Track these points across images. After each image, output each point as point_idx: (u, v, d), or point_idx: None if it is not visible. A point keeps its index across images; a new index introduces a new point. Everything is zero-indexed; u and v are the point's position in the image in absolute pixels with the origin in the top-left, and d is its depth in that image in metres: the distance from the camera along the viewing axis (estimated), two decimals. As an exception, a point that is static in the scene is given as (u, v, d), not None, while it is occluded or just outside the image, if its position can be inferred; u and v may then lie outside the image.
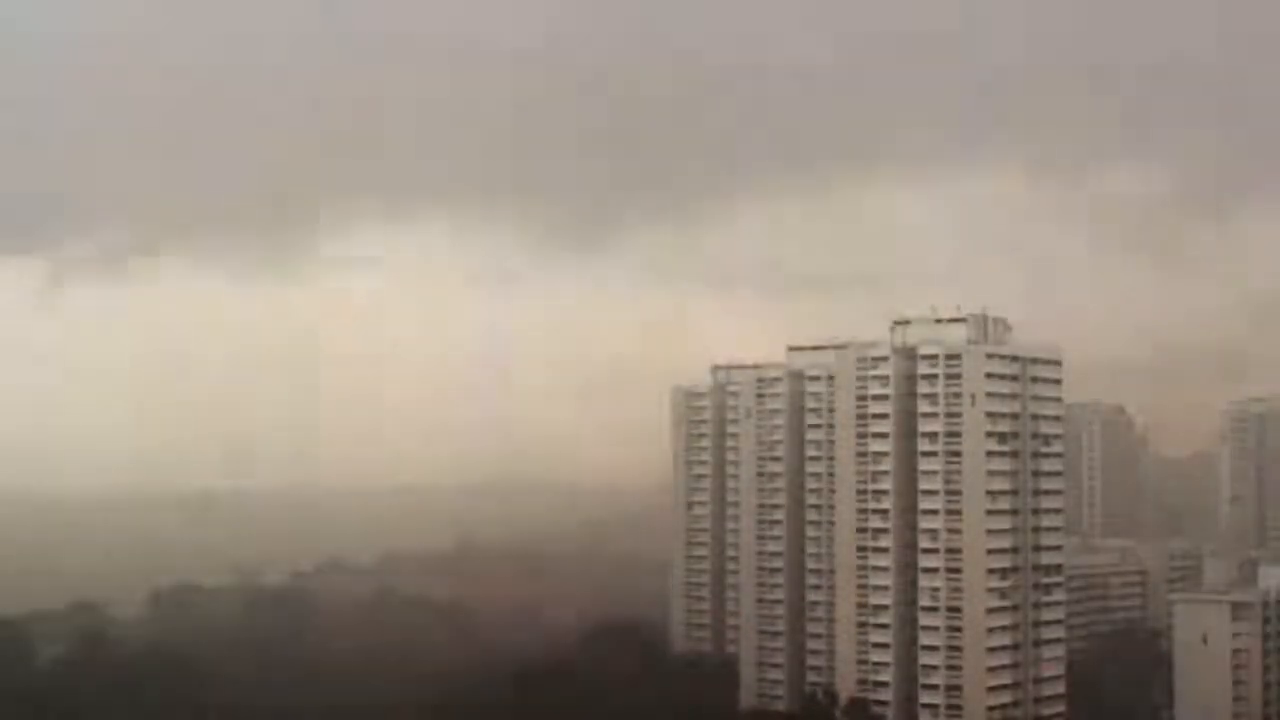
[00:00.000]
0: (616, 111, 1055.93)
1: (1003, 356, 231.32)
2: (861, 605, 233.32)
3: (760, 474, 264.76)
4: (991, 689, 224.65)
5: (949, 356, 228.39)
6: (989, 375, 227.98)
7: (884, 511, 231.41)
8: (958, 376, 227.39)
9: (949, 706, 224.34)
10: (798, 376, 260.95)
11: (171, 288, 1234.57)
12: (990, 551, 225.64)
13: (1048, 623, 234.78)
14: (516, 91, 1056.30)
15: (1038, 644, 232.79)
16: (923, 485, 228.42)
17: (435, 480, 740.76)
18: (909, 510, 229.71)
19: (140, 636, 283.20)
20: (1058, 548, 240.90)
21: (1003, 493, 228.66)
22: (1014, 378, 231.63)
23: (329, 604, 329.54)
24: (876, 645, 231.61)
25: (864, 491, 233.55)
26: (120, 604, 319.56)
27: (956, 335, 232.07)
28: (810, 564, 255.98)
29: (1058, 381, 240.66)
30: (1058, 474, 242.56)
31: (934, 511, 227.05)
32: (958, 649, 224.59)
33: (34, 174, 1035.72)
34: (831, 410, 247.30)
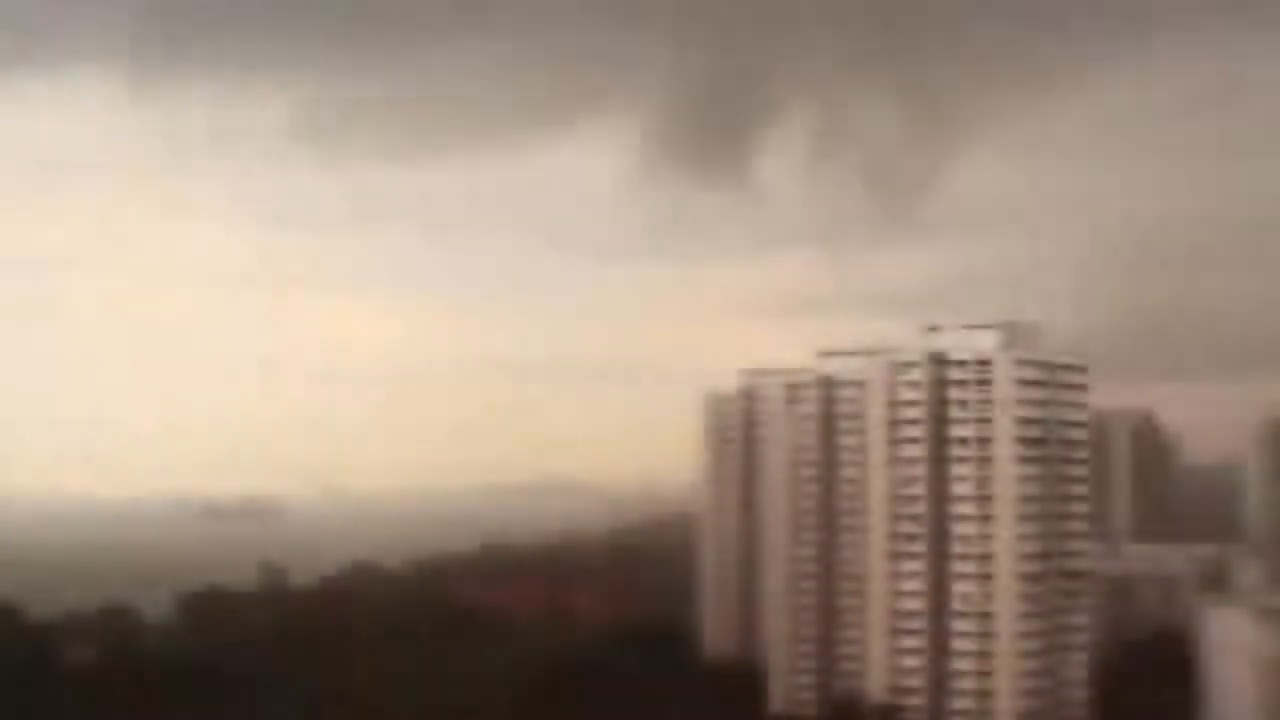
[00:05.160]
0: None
1: (1033, 363, 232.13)
2: (892, 611, 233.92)
3: (790, 479, 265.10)
4: (1021, 694, 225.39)
5: (979, 362, 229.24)
6: (1019, 381, 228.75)
7: (916, 517, 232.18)
8: (988, 382, 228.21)
9: (979, 713, 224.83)
10: (828, 382, 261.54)
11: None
12: (1020, 557, 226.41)
13: (1075, 628, 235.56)
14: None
15: (1066, 650, 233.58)
16: (954, 491, 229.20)
17: (463, 483, 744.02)
18: (940, 516, 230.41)
19: (171, 640, 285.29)
20: (1085, 553, 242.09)
21: (1032, 498, 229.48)
22: (1044, 384, 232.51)
23: (358, 608, 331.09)
24: (906, 651, 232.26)
25: (895, 497, 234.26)
26: (151, 608, 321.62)
27: (987, 341, 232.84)
28: (841, 569, 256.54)
29: (1086, 387, 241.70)
30: (1086, 480, 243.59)
31: (966, 517, 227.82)
32: (988, 655, 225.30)
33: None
34: (862, 416, 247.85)
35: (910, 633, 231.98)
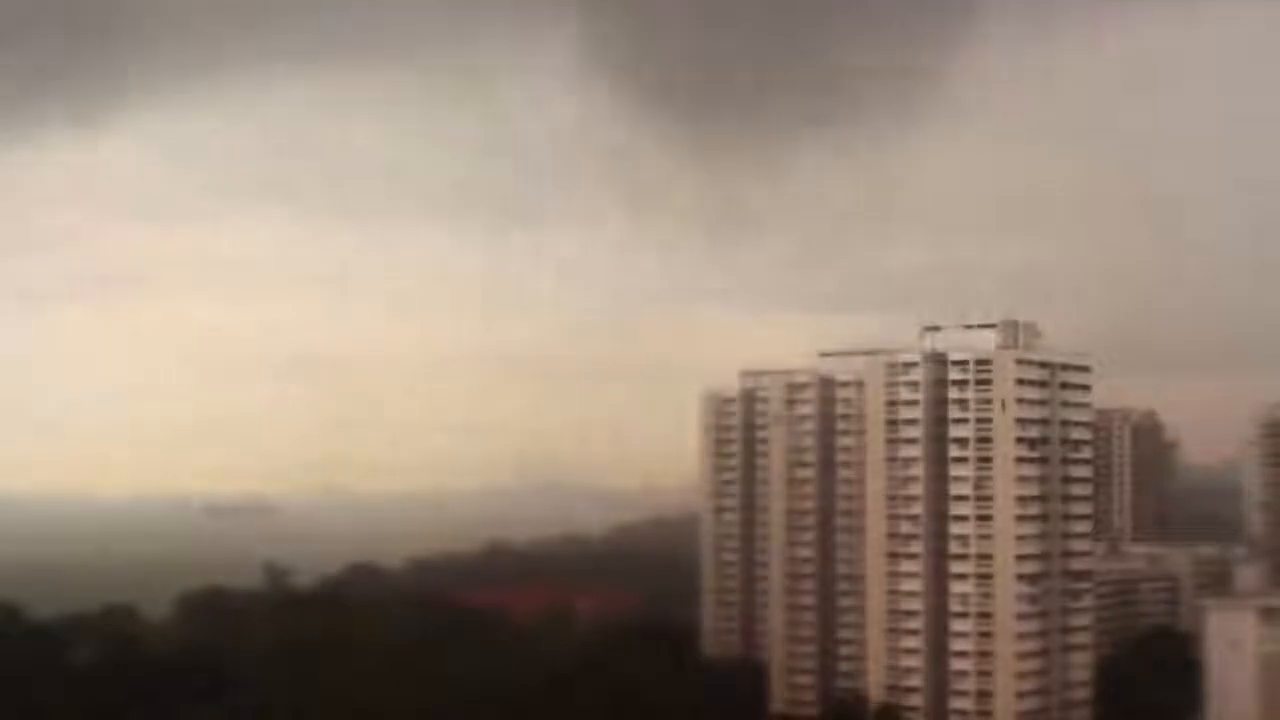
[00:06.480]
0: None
1: (1032, 362, 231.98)
2: (892, 611, 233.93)
3: (790, 479, 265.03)
4: (1021, 694, 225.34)
5: (979, 362, 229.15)
6: (1019, 381, 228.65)
7: (914, 517, 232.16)
8: (988, 382, 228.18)
9: (979, 712, 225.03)
10: (828, 382, 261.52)
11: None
12: (1020, 557, 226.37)
13: (1076, 629, 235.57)
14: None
15: (1066, 650, 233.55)
16: (953, 491, 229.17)
17: (465, 483, 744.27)
18: (939, 516, 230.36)
19: (171, 640, 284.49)
20: (1087, 554, 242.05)
21: (1032, 498, 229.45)
22: (1044, 383, 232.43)
23: (359, 608, 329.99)
24: (906, 651, 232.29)
25: (894, 497, 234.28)
26: (151, 607, 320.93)
27: (986, 341, 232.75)
28: (840, 569, 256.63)
29: (1087, 387, 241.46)
30: (1087, 480, 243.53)
31: (964, 517, 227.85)
32: (988, 655, 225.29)
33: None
34: (861, 416, 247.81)
35: (909, 633, 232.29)
